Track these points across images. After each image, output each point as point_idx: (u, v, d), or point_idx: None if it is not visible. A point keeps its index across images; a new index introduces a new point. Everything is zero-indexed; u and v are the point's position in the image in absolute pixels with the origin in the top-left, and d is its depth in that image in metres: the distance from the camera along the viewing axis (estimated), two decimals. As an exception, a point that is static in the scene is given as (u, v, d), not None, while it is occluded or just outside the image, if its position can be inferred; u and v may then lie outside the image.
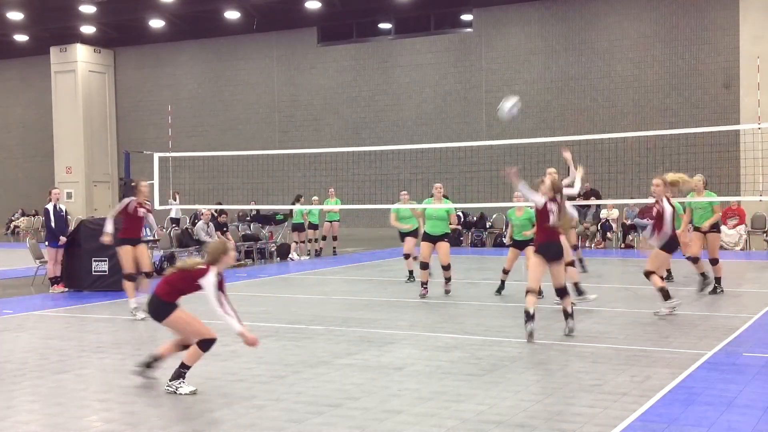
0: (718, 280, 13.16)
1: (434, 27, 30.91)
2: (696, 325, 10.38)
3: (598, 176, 24.43)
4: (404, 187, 26.98)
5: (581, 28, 28.10)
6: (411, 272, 15.54)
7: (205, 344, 7.33)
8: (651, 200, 11.61)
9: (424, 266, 13.35)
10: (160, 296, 7.47)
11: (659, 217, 11.03)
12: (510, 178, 9.75)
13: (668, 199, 11.21)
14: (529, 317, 9.36)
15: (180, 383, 7.29)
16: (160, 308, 7.45)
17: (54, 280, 15.49)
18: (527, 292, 9.48)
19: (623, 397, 6.94)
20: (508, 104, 11.98)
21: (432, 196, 13.85)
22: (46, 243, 15.74)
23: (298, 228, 21.97)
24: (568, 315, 9.71)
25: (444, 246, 13.47)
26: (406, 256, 15.66)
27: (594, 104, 27.84)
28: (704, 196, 13.17)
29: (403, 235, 15.73)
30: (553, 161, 24.59)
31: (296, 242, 22.08)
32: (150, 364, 7.62)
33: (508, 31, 29.24)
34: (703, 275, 12.93)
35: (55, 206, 15.49)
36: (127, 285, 12.01)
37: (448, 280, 13.71)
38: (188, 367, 7.34)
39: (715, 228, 13.33)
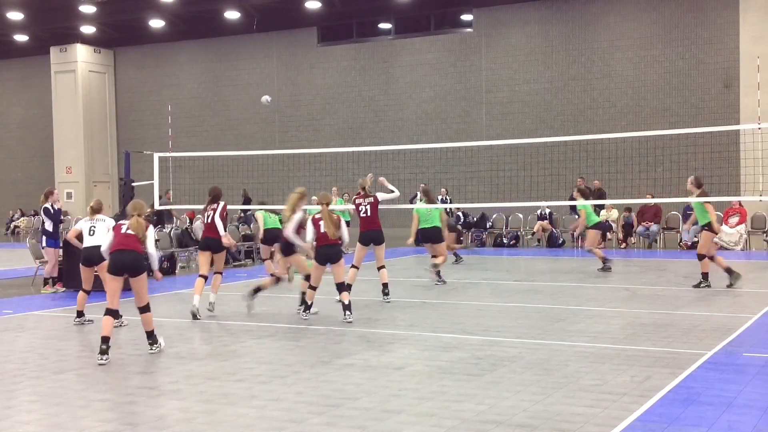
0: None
1: (434, 27, 30.88)
2: (696, 325, 10.38)
3: (598, 176, 24.45)
4: (406, 187, 27.13)
5: (581, 28, 28.09)
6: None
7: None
8: (649, 200, 11.61)
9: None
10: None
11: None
12: None
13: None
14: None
15: None
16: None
17: (47, 281, 15.47)
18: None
19: (623, 397, 6.94)
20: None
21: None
22: (43, 244, 15.70)
23: None
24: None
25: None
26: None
27: (594, 104, 27.82)
28: None
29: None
30: (553, 161, 24.74)
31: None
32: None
33: (508, 31, 29.22)
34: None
35: (52, 206, 15.51)
36: None
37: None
38: None
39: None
